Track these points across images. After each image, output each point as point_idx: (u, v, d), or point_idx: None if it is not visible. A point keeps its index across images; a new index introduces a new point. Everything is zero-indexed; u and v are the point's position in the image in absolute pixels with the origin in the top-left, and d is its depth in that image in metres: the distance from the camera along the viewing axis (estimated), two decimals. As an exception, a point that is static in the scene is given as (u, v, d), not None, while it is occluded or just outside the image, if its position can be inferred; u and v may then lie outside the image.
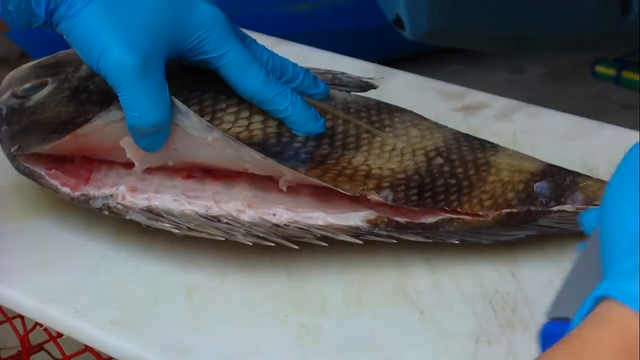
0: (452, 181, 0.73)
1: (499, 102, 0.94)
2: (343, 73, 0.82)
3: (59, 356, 0.83)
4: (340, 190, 0.70)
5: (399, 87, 0.96)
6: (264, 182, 0.73)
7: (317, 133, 0.75)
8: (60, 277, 0.73)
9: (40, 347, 0.89)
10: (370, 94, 0.90)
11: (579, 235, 0.65)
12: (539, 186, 0.74)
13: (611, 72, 2.62)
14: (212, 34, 0.73)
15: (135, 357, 0.67)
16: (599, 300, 0.45)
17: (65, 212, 0.79)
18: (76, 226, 0.78)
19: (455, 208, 0.72)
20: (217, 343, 0.67)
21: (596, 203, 0.73)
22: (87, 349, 0.73)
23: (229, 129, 0.74)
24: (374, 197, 0.70)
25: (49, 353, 0.94)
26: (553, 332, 0.50)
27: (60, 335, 0.72)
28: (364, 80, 0.81)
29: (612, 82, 2.62)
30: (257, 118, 0.75)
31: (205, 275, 0.73)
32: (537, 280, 0.72)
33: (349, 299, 0.71)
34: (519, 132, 0.88)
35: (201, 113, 0.74)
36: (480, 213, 0.72)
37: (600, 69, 2.63)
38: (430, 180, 0.73)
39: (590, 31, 1.72)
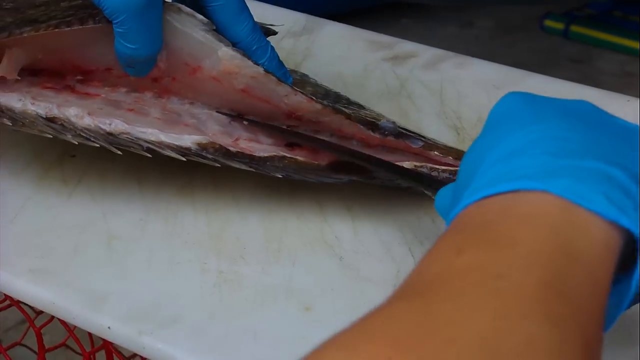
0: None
1: (427, 52, 0.94)
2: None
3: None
4: None
5: (329, 37, 0.96)
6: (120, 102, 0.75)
7: None
8: (-22, 226, 0.73)
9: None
10: (301, 43, 0.90)
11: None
12: (384, 123, 0.74)
13: (559, 26, 2.63)
14: None
15: (53, 305, 0.67)
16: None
17: (-14, 162, 0.78)
18: (-4, 175, 0.78)
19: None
20: (136, 290, 0.67)
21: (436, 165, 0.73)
22: (7, 298, 0.73)
23: None
24: None
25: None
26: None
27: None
28: (265, 25, 0.81)
29: (560, 36, 2.64)
30: None
31: (126, 223, 0.73)
32: (457, 226, 0.72)
33: (268, 246, 0.71)
34: (445, 82, 0.89)
35: None
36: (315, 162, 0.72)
37: (549, 22, 2.64)
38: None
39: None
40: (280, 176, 0.72)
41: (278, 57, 0.76)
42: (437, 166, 0.72)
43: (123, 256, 0.70)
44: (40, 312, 0.83)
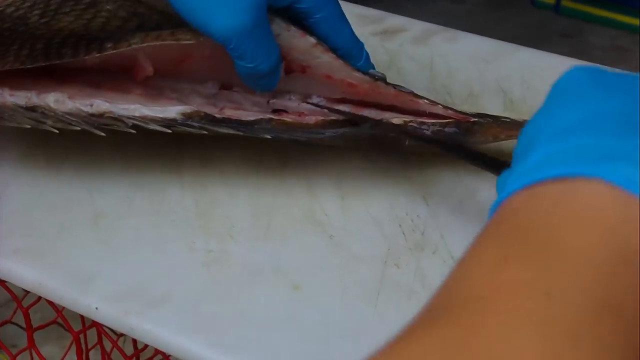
0: None
1: (416, 26, 0.93)
2: None
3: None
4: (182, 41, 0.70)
5: (318, 12, 0.95)
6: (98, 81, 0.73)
7: None
8: (-37, 205, 0.72)
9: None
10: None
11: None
12: (374, 71, 0.74)
13: (550, 0, 2.62)
14: None
15: (40, 285, 0.66)
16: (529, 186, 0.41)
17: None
18: (-21, 154, 0.76)
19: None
20: (123, 270, 0.66)
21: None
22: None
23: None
24: None
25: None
26: None
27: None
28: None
29: (551, 10, 2.63)
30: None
31: (112, 201, 0.72)
32: (448, 203, 0.72)
33: (257, 225, 0.70)
34: (435, 56, 0.88)
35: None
36: (305, 120, 0.71)
37: (539, -3, 2.63)
38: None
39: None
40: (269, 137, 0.71)
41: (369, 55, 0.75)
42: (426, 120, 0.71)
43: (109, 235, 0.69)
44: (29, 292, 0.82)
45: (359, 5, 0.96)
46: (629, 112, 0.43)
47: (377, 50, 0.89)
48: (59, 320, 0.99)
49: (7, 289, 0.79)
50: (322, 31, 0.73)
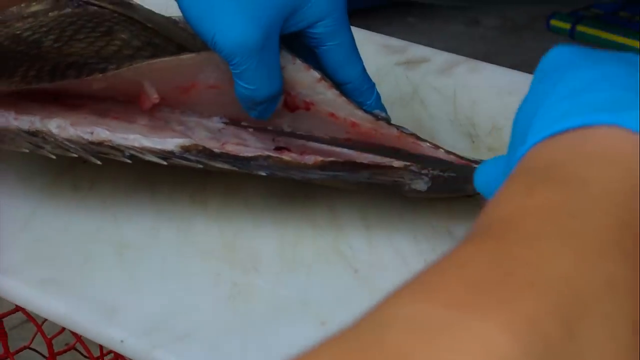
0: None
1: (440, 57, 0.93)
2: None
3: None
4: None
5: (341, 41, 0.95)
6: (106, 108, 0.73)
7: None
8: (-11, 233, 0.72)
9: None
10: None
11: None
12: (378, 111, 0.73)
13: (566, 25, 2.62)
14: (333, 13, 0.70)
15: (65, 317, 0.66)
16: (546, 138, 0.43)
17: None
18: (5, 181, 0.76)
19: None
20: (148, 302, 0.66)
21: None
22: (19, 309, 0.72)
23: None
24: None
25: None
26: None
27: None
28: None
29: (567, 35, 2.63)
30: None
31: (137, 232, 0.72)
32: (472, 236, 0.72)
33: (282, 257, 0.70)
34: (459, 87, 0.88)
35: None
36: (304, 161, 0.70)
37: (555, 22, 2.63)
38: None
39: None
40: (264, 174, 0.70)
41: (378, 93, 0.74)
42: (428, 171, 0.69)
43: (135, 266, 0.69)
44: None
45: (382, 35, 0.97)
46: (630, 73, 0.45)
47: (401, 80, 0.89)
48: (78, 345, 0.99)
49: (30, 316, 0.79)
50: (334, 61, 0.71)
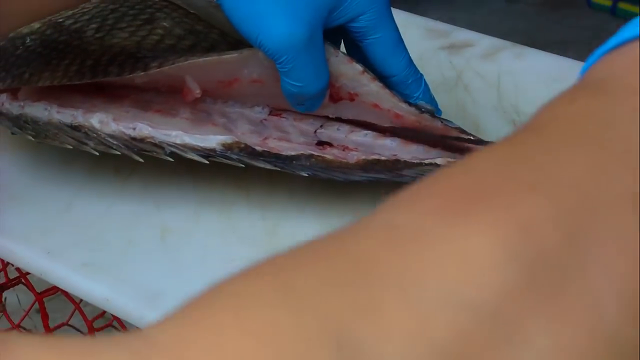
0: None
1: (484, 41, 0.92)
2: None
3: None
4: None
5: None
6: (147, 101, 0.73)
7: None
8: (31, 215, 0.72)
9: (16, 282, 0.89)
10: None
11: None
12: (423, 103, 0.71)
13: (607, 2, 2.59)
14: (373, 6, 0.70)
15: (107, 301, 0.66)
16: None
17: (37, 150, 0.78)
18: (48, 164, 0.77)
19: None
20: (188, 287, 0.66)
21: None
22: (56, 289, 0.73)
23: None
24: None
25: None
26: None
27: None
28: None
29: (607, 12, 2.60)
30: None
31: (180, 217, 0.72)
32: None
33: (324, 244, 0.70)
34: (503, 73, 0.87)
35: None
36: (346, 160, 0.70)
37: (596, -1, 2.61)
38: None
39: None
40: (306, 175, 0.70)
41: (428, 87, 0.73)
42: None
43: (176, 251, 0.69)
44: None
45: (426, 18, 0.96)
46: None
47: (444, 65, 0.88)
48: (115, 323, 1.00)
49: (71, 298, 0.79)
50: (378, 55, 0.71)
